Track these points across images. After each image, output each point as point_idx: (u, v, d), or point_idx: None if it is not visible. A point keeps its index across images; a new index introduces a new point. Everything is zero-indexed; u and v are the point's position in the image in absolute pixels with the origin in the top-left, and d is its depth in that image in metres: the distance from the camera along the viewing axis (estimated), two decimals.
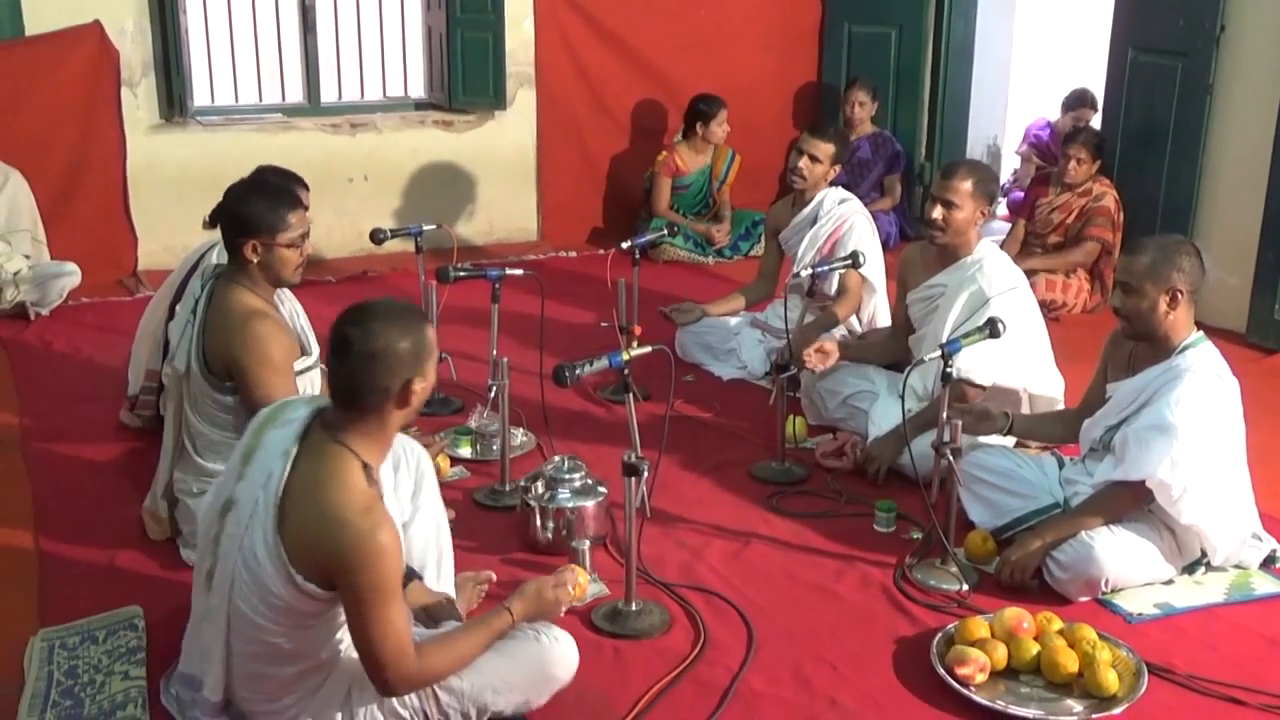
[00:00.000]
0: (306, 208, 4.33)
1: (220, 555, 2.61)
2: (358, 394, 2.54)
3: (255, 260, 3.46)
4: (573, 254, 7.30)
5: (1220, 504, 3.48)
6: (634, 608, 3.35)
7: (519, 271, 4.42)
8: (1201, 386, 3.44)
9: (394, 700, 2.68)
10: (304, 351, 3.62)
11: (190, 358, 3.55)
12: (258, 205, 3.45)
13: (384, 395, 2.54)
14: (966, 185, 4.24)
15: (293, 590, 2.49)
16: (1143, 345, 3.60)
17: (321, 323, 5.06)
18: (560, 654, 2.84)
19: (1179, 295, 3.46)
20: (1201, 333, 3.57)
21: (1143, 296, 3.47)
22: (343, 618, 2.57)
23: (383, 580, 2.45)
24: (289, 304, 3.71)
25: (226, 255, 3.57)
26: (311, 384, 3.65)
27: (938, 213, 4.25)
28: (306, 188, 4.37)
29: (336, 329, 2.56)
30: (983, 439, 4.06)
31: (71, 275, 5.95)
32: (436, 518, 3.15)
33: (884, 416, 4.35)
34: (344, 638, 2.65)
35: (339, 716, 2.68)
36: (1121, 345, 3.73)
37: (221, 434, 3.55)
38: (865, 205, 5.45)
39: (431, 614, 2.92)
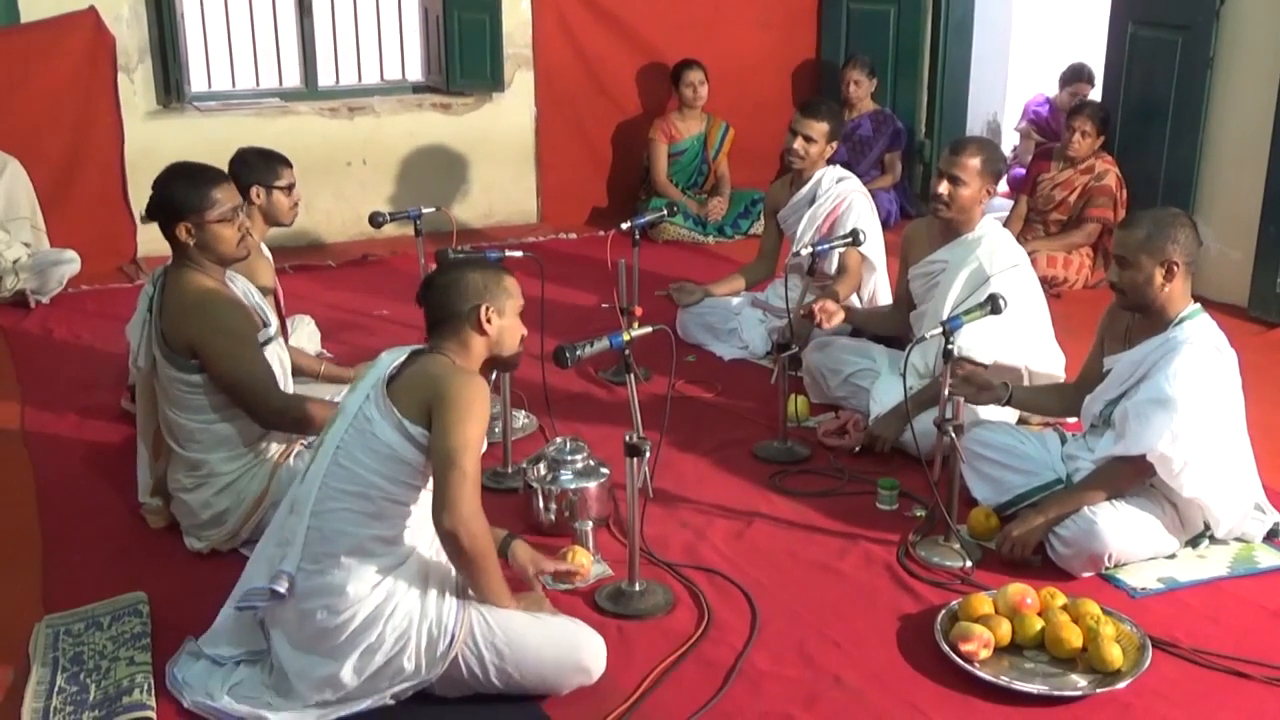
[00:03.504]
0: (291, 183, 4.33)
1: (319, 455, 2.89)
2: (440, 319, 2.95)
3: (192, 242, 3.48)
4: (572, 235, 7.30)
5: (1222, 476, 3.47)
6: (637, 588, 3.35)
7: (519, 253, 4.41)
8: (1199, 359, 3.43)
9: (432, 612, 2.80)
10: (263, 324, 3.62)
11: (152, 349, 3.55)
12: (179, 187, 3.47)
13: (459, 319, 2.93)
14: (975, 162, 4.23)
15: (400, 434, 2.80)
16: (1139, 318, 3.60)
17: (323, 307, 5.05)
18: (595, 648, 2.93)
19: (1174, 267, 3.45)
20: (1198, 305, 3.56)
21: (1138, 269, 3.47)
22: (425, 503, 2.83)
23: (473, 402, 2.78)
24: (240, 283, 3.71)
25: (169, 244, 3.57)
26: (279, 357, 3.66)
27: (944, 188, 4.24)
28: (289, 165, 4.37)
29: (428, 274, 3.04)
30: (985, 415, 4.07)
31: (71, 263, 5.94)
32: None
33: (886, 394, 4.35)
34: (416, 526, 2.87)
35: (380, 625, 2.77)
36: (1119, 318, 3.73)
37: (198, 419, 3.52)
38: (866, 183, 5.45)
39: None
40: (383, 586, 2.80)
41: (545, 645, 2.86)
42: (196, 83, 7.08)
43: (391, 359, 2.94)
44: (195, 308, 3.45)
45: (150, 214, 3.55)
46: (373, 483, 2.80)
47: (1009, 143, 8.42)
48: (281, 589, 2.78)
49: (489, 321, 2.93)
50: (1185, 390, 3.37)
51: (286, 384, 3.67)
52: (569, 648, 2.89)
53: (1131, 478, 3.48)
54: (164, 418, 3.61)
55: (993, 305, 3.67)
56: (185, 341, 3.46)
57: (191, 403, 3.52)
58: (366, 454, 2.80)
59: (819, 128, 5.07)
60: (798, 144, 5.08)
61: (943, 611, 3.23)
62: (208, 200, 3.46)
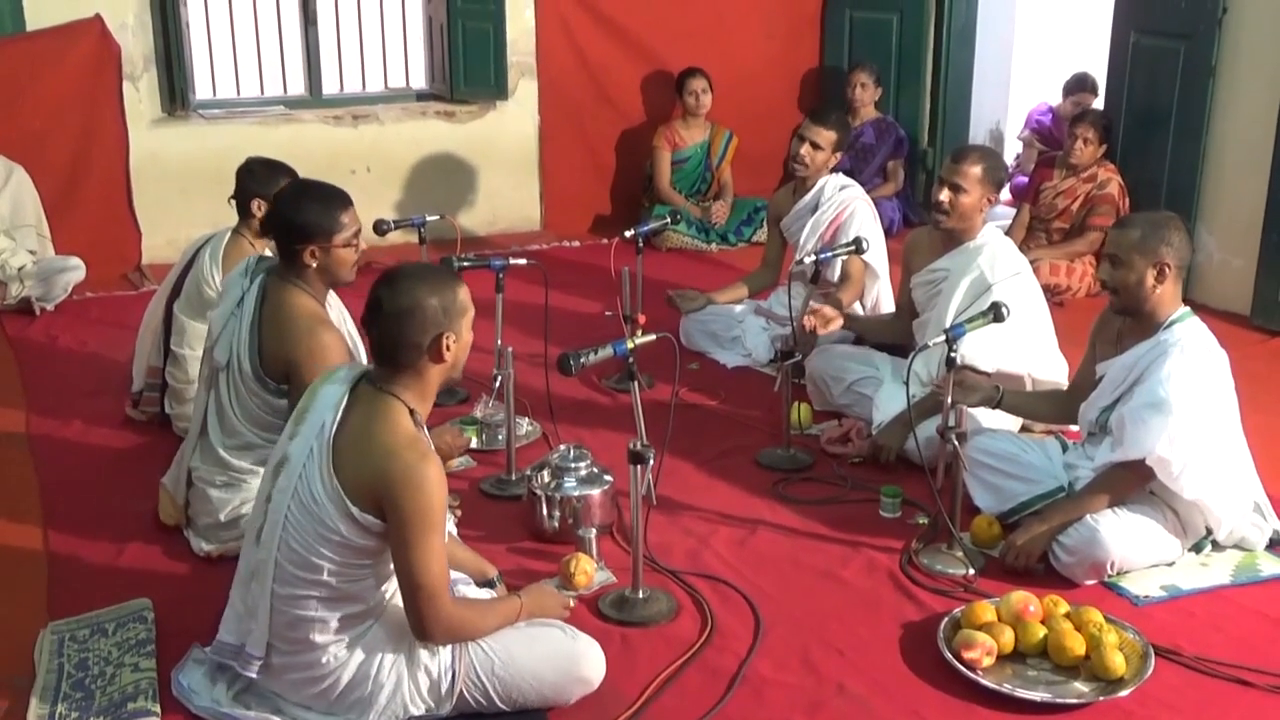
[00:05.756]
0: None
1: (270, 511, 2.73)
2: (393, 351, 2.72)
3: (314, 265, 3.44)
4: (576, 243, 7.31)
5: (1221, 476, 3.48)
6: (641, 595, 3.36)
7: (523, 261, 4.43)
8: (1191, 360, 3.44)
9: (424, 658, 2.77)
10: (352, 358, 3.61)
11: (237, 354, 3.51)
12: (311, 210, 3.43)
13: (417, 351, 2.71)
14: (976, 170, 4.24)
15: (350, 523, 2.64)
16: (1130, 322, 3.62)
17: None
18: (592, 657, 2.91)
19: (1166, 269, 3.47)
20: (1188, 308, 3.57)
21: (1130, 269, 3.49)
22: (390, 567, 2.71)
23: (428, 509, 2.62)
24: (336, 308, 3.71)
25: (281, 260, 3.53)
26: None
27: (944, 196, 4.26)
28: (294, 176, 4.35)
29: (372, 291, 2.73)
30: (987, 424, 4.07)
31: (76, 270, 5.95)
32: None
33: (889, 402, 4.35)
34: (388, 589, 2.78)
35: (370, 683, 2.75)
36: (1109, 323, 3.74)
37: (261, 435, 3.52)
38: (868, 191, 5.46)
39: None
40: (361, 646, 2.76)
41: (544, 664, 2.85)
42: (201, 91, 7.11)
43: (334, 399, 2.74)
44: (305, 334, 3.40)
45: (270, 231, 3.53)
46: (330, 571, 2.68)
47: (1012, 151, 8.43)
48: (252, 674, 2.78)
49: (448, 349, 2.73)
50: (1179, 392, 3.38)
51: None
52: (568, 662, 2.88)
53: (1132, 483, 3.49)
54: (221, 412, 3.58)
55: (995, 313, 3.68)
56: (283, 363, 3.43)
57: (262, 419, 3.53)
58: (319, 541, 2.66)
59: (827, 136, 5.08)
60: (804, 150, 5.09)
61: (945, 619, 3.23)
62: (337, 225, 3.44)
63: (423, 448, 2.67)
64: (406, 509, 2.60)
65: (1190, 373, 3.43)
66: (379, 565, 2.74)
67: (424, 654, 2.78)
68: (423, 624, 2.69)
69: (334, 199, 3.49)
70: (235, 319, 3.54)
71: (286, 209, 3.47)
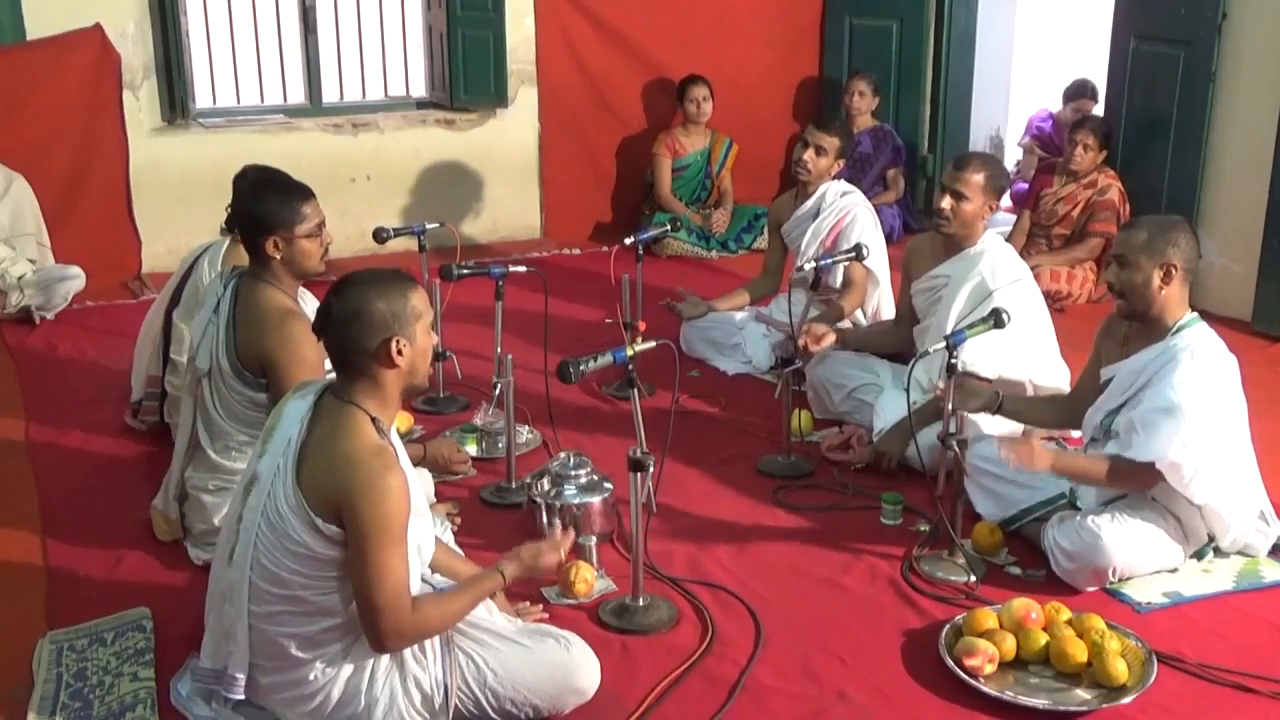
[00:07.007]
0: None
1: (241, 531, 2.70)
2: (344, 356, 2.69)
3: (278, 256, 3.47)
4: (576, 251, 7.31)
5: (1230, 482, 3.47)
6: (641, 603, 3.35)
7: (522, 269, 4.43)
8: (1202, 365, 3.43)
9: (415, 670, 2.73)
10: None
11: (216, 356, 3.54)
12: (270, 202, 3.47)
13: (366, 356, 2.67)
14: (978, 178, 4.24)
15: (314, 534, 2.60)
16: (1137, 327, 3.61)
17: None
18: (587, 667, 2.88)
19: (1173, 270, 3.46)
20: (1195, 314, 3.56)
21: (1137, 270, 3.48)
22: None
23: (387, 520, 2.57)
24: (310, 303, 3.72)
25: (247, 256, 3.58)
26: None
27: (946, 203, 4.25)
28: None
29: (325, 296, 2.72)
30: (989, 430, 4.06)
31: (76, 279, 5.95)
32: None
33: (889, 409, 4.34)
34: None
35: (362, 698, 2.72)
36: (1115, 328, 3.73)
37: (248, 432, 3.53)
38: (869, 199, 5.45)
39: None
40: (349, 660, 2.73)
41: (537, 675, 2.82)
42: (201, 99, 7.11)
43: (298, 414, 2.72)
44: (276, 327, 3.42)
45: (234, 226, 3.56)
46: (301, 585, 2.65)
47: (1012, 158, 8.43)
48: (237, 695, 2.75)
49: (399, 354, 2.67)
50: (1191, 397, 3.37)
51: None
52: (562, 673, 2.85)
53: (1135, 481, 3.46)
54: (206, 417, 3.60)
55: (996, 320, 3.67)
56: (258, 358, 3.45)
57: (247, 416, 3.54)
58: (286, 555, 2.62)
59: (831, 141, 5.08)
60: (807, 155, 5.09)
61: (947, 626, 3.23)
62: (298, 215, 3.46)
63: (388, 459, 2.62)
64: (365, 520, 2.55)
65: (1201, 378, 3.41)
66: (346, 578, 2.68)
67: (414, 667, 2.75)
68: (375, 638, 2.64)
69: (294, 190, 3.52)
70: (213, 324, 3.58)
71: (247, 201, 3.52)
